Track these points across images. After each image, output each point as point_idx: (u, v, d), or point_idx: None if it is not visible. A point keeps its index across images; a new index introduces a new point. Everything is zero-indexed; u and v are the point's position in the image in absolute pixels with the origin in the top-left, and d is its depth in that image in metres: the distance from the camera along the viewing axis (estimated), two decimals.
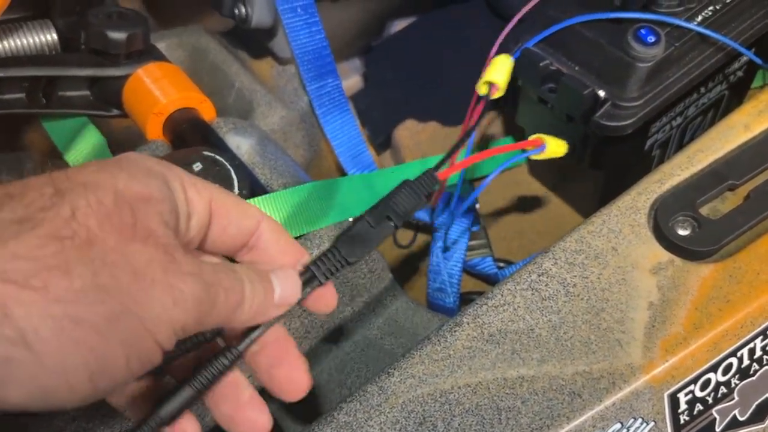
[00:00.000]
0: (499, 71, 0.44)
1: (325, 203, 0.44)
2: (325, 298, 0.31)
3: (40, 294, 0.21)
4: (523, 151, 0.43)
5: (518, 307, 0.40)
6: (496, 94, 0.44)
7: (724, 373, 0.40)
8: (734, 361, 0.40)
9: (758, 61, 0.51)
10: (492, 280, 0.62)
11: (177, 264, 0.24)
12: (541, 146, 0.43)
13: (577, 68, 0.50)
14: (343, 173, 0.62)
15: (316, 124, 0.62)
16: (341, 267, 0.32)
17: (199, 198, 0.27)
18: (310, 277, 0.31)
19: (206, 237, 0.29)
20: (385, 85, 0.77)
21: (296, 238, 0.42)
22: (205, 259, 0.29)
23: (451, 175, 0.36)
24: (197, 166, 0.41)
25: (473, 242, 0.62)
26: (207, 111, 0.48)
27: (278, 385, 0.30)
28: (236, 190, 0.41)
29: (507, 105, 0.59)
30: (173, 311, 0.24)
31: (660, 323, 0.39)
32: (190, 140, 0.45)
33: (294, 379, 0.30)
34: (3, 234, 0.21)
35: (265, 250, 0.30)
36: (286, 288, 0.29)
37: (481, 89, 0.44)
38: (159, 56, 0.50)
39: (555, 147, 0.43)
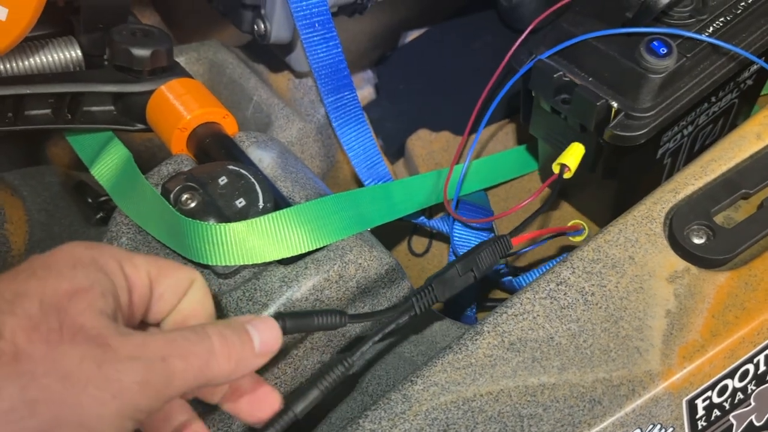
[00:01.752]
0: (572, 156, 0.50)
1: (347, 214, 0.45)
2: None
3: None
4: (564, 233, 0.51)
5: (537, 315, 0.41)
6: (567, 175, 0.50)
7: (741, 379, 0.41)
8: (750, 367, 0.41)
9: None
10: (506, 288, 0.62)
11: (113, 352, 0.24)
12: (579, 230, 0.50)
13: (590, 79, 0.51)
14: (359, 183, 0.63)
15: (332, 135, 0.63)
16: (432, 303, 0.40)
17: (137, 271, 0.28)
18: (408, 308, 0.39)
19: (149, 307, 0.30)
20: (397, 96, 0.78)
21: (320, 249, 0.43)
22: (163, 328, 0.30)
23: (523, 242, 0.46)
24: (223, 180, 0.42)
25: None
26: (229, 125, 0.50)
27: (248, 413, 0.32)
28: (261, 203, 0.42)
29: (520, 115, 0.61)
30: (114, 404, 0.24)
31: (678, 331, 0.40)
32: (213, 154, 0.46)
33: (262, 405, 0.32)
34: None
35: (193, 311, 0.31)
36: (265, 335, 0.30)
37: (555, 169, 0.50)
38: (182, 72, 0.51)
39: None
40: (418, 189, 0.58)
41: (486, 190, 0.67)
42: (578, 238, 0.50)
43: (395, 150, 0.76)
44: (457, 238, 0.59)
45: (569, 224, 0.50)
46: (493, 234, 0.64)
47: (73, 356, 0.24)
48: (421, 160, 0.71)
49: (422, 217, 0.64)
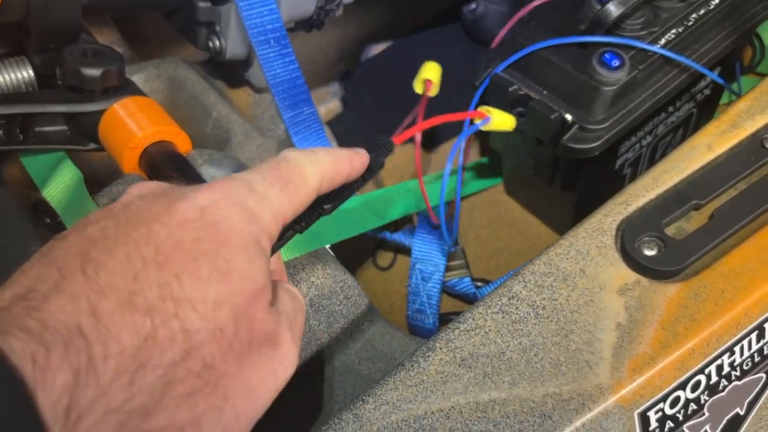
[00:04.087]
0: (431, 72, 0.48)
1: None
2: None
3: None
4: (472, 122, 0.46)
5: (489, 330, 0.41)
6: (433, 92, 0.48)
7: (693, 390, 0.41)
8: (702, 378, 0.41)
9: (720, 81, 0.53)
10: (471, 300, 0.62)
11: (281, 347, 0.25)
12: (486, 118, 0.45)
13: (544, 92, 0.51)
14: None
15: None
16: (318, 216, 0.34)
17: (277, 227, 0.28)
18: (291, 223, 0.33)
19: None
20: (363, 109, 0.79)
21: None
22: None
23: (406, 138, 0.40)
24: None
25: (451, 263, 0.63)
26: (183, 143, 0.49)
27: None
28: None
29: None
30: (279, 385, 0.26)
31: (627, 343, 0.40)
32: (165, 173, 0.46)
33: None
34: (149, 403, 0.21)
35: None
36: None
37: (418, 88, 0.49)
38: (135, 91, 0.51)
39: (501, 119, 0.45)
40: (378, 204, 0.58)
41: (451, 202, 0.67)
42: (486, 127, 0.46)
43: None
44: (417, 251, 0.59)
45: (477, 110, 0.46)
46: (456, 248, 0.64)
47: (256, 368, 0.24)
48: (386, 173, 0.71)
49: (386, 232, 0.64)
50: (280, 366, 0.25)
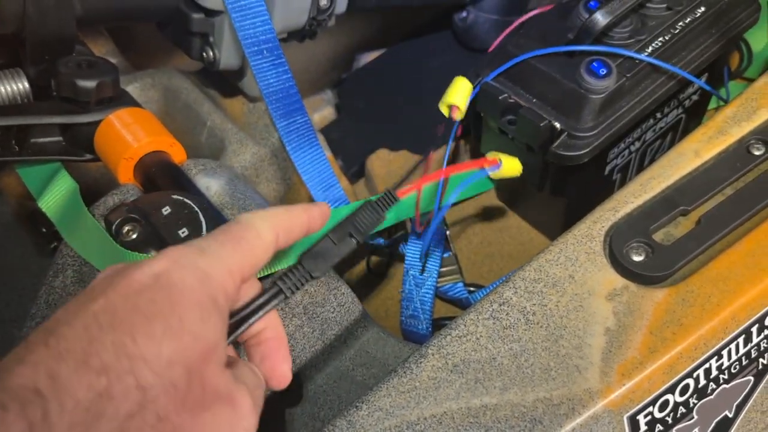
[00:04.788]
0: (458, 93, 0.46)
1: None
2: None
3: None
4: (482, 169, 0.46)
5: (480, 336, 0.42)
6: (458, 116, 0.46)
7: (682, 393, 0.41)
8: (691, 381, 0.42)
9: (708, 88, 0.53)
10: (464, 305, 0.63)
11: (239, 408, 0.26)
12: (497, 164, 0.45)
13: (534, 101, 0.52)
14: None
15: (287, 158, 0.63)
16: (306, 282, 0.34)
17: (235, 284, 0.29)
18: (276, 292, 0.33)
19: None
20: (357, 116, 0.79)
21: (267, 276, 0.43)
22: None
23: (410, 193, 0.39)
24: (166, 210, 0.43)
25: (444, 268, 0.63)
26: (177, 153, 0.50)
27: (265, 373, 0.33)
28: (204, 232, 0.42)
29: (471, 135, 0.61)
30: None
31: (616, 348, 0.40)
32: (160, 183, 0.47)
33: (278, 371, 0.33)
34: None
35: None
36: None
37: (444, 110, 0.46)
38: (130, 102, 0.51)
39: (510, 165, 0.45)
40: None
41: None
42: (496, 175, 0.46)
43: (356, 170, 0.77)
44: (410, 257, 0.59)
45: (486, 157, 0.46)
46: (449, 253, 0.64)
47: (213, 423, 0.25)
48: (380, 179, 0.71)
49: (380, 238, 0.64)
50: (240, 427, 0.26)
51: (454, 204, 0.68)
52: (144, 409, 0.23)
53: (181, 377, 0.24)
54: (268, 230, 0.31)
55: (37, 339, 0.24)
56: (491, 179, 0.67)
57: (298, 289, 0.34)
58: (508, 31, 0.57)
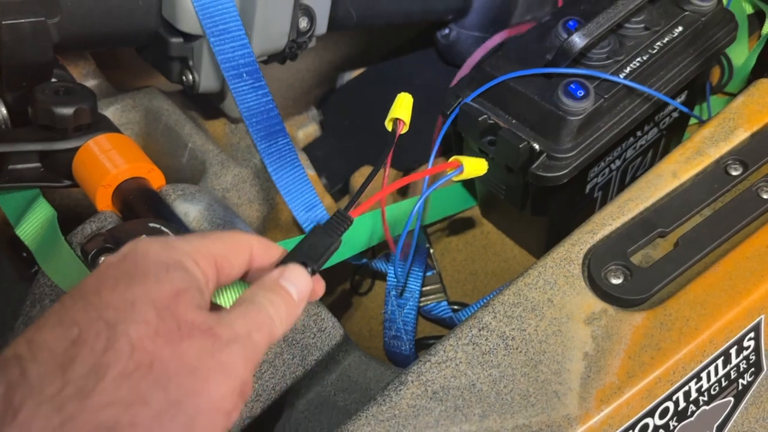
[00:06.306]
0: (403, 109, 0.45)
1: None
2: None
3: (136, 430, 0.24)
4: (445, 173, 0.45)
5: (460, 362, 0.42)
6: (403, 130, 0.45)
7: (662, 416, 0.42)
8: (670, 405, 0.42)
9: (685, 109, 0.54)
10: (448, 324, 0.63)
11: (219, 340, 0.27)
12: (459, 168, 0.44)
13: (513, 122, 0.52)
14: (299, 226, 0.63)
15: (270, 178, 0.63)
16: None
17: (208, 263, 0.30)
18: None
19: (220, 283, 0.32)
20: (340, 133, 0.79)
21: None
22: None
23: (364, 212, 0.38)
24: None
25: (427, 287, 0.63)
26: (156, 179, 0.50)
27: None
28: None
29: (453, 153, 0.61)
30: (231, 383, 0.27)
31: (595, 373, 0.40)
32: (138, 210, 0.46)
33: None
34: (86, 387, 0.24)
35: (261, 268, 0.34)
36: (299, 284, 0.32)
37: (388, 126, 0.45)
38: (108, 127, 0.51)
39: (474, 166, 0.44)
40: (364, 227, 0.59)
41: (427, 226, 0.67)
42: (459, 177, 0.44)
43: (340, 188, 0.77)
44: (392, 278, 0.59)
45: (449, 161, 0.44)
46: (432, 271, 0.64)
47: (193, 351, 0.26)
48: (364, 197, 0.71)
49: (364, 259, 0.64)
50: (228, 361, 0.27)
51: (438, 222, 0.68)
52: (116, 342, 0.25)
53: (149, 313, 0.26)
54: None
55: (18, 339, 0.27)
56: (471, 198, 0.68)
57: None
58: (482, 50, 0.57)
